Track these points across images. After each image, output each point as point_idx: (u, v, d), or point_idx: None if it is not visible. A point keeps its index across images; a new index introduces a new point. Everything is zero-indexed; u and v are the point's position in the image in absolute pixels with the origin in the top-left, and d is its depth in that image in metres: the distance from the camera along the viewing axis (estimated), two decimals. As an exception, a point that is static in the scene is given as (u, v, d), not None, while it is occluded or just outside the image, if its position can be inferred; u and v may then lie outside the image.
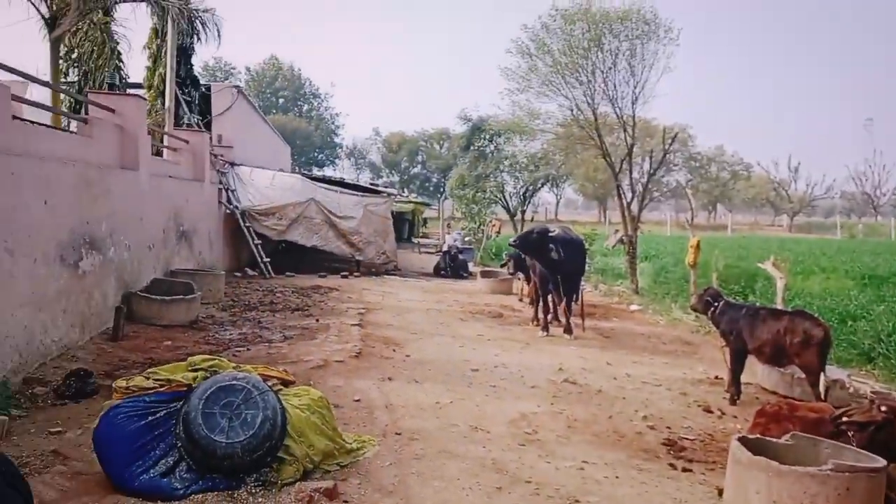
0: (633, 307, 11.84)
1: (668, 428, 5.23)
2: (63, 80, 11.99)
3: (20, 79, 7.85)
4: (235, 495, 3.59)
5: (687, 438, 5.01)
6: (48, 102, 10.55)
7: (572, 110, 14.28)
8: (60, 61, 11.86)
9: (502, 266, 11.72)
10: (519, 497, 3.79)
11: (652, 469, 4.36)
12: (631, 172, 14.05)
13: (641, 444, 4.84)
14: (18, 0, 10.91)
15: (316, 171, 43.69)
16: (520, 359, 7.40)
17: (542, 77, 14.41)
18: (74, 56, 12.10)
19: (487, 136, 23.68)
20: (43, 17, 11.32)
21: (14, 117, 5.98)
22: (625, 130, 13.80)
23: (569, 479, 4.08)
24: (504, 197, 23.95)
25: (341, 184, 16.76)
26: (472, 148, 24.43)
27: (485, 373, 6.64)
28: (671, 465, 4.45)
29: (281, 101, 61.34)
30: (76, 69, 12.20)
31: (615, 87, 13.59)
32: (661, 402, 5.94)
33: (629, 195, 14.03)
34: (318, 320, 8.99)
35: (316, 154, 61.03)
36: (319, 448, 4.04)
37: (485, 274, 14.70)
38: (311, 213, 14.47)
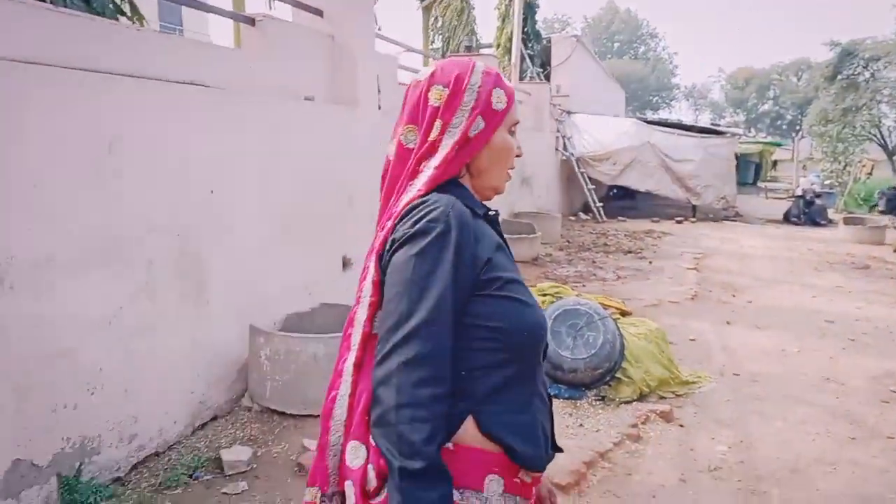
0: None
1: None
2: (430, 46, 13.84)
3: (400, 49, 9.38)
4: (577, 405, 4.04)
5: None
6: (420, 67, 12.37)
7: None
8: (429, 31, 13.71)
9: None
10: (879, 450, 3.48)
11: None
12: None
13: None
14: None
15: (650, 115, 42.28)
16: (889, 314, 6.44)
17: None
18: (439, 25, 13.84)
19: (861, 62, 19.94)
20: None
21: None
22: None
23: (947, 445, 3.57)
24: (880, 133, 20.03)
25: (679, 126, 16.09)
26: (839, 77, 20.86)
27: (842, 325, 5.99)
28: None
29: (616, 45, 60.46)
30: (440, 36, 13.95)
31: None
32: None
33: None
34: (651, 262, 9.05)
35: (651, 97, 58.99)
36: (655, 374, 4.26)
37: (849, 221, 12.78)
38: (645, 157, 14.27)
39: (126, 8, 5.25)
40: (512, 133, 1.26)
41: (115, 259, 2.98)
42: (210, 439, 3.40)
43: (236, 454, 3.12)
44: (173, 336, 3.36)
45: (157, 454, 3.20)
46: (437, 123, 1.19)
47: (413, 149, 1.21)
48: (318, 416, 3.47)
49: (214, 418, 3.65)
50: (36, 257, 2.59)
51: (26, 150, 2.58)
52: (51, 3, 4.04)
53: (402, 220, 1.14)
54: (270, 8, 9.57)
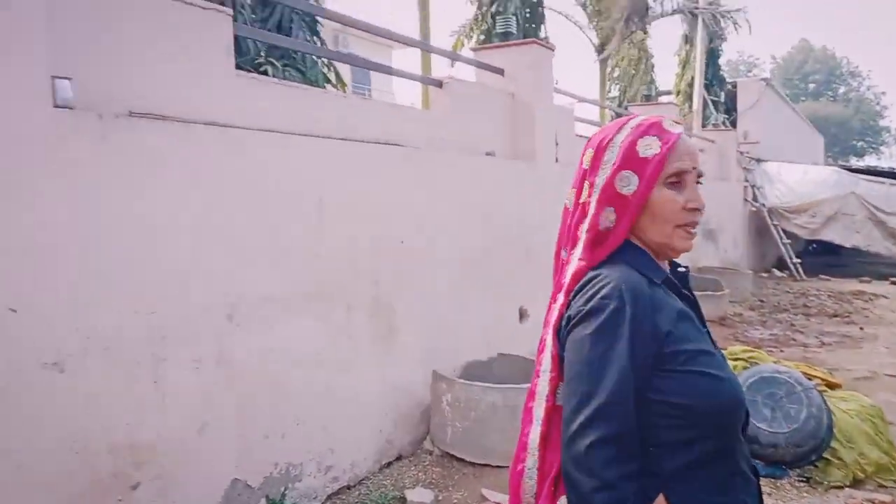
0: None
1: None
2: (607, 96, 13.79)
3: (574, 100, 9.43)
4: (778, 484, 3.65)
5: None
6: (596, 118, 12.35)
7: None
8: (606, 81, 13.70)
9: None
10: None
11: None
12: None
13: None
14: (576, 34, 13.15)
15: (855, 162, 38.06)
16: None
17: None
18: (616, 74, 13.78)
19: None
20: (593, 44, 13.28)
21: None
22: None
23: None
24: None
25: (890, 174, 14.31)
26: None
27: None
28: None
29: (811, 86, 55.68)
30: (616, 86, 13.86)
31: None
32: None
33: None
34: (862, 329, 8.03)
35: (855, 142, 53.24)
36: (871, 458, 3.73)
37: None
38: (850, 210, 12.82)
39: (331, 76, 5.91)
40: (676, 184, 1.15)
41: (321, 302, 3.28)
42: (395, 478, 3.55)
43: (420, 496, 3.23)
44: (366, 376, 3.59)
45: (348, 487, 3.41)
46: (586, 185, 1.20)
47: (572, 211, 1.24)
48: (496, 466, 3.50)
49: (399, 458, 3.81)
50: (259, 297, 2.94)
51: (259, 205, 2.96)
52: (272, 75, 4.68)
53: (575, 295, 1.15)
54: (452, 66, 10.19)
